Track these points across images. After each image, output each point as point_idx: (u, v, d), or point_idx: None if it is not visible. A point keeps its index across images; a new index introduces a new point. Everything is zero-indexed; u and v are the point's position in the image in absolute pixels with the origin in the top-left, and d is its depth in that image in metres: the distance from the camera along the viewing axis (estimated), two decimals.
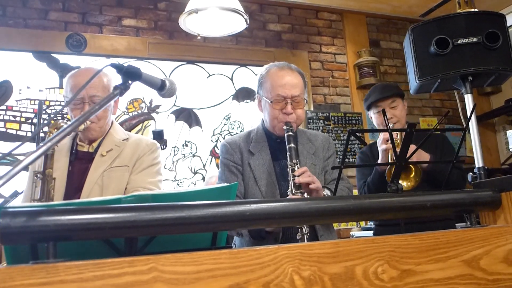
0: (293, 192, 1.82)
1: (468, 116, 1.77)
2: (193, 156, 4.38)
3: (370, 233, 3.34)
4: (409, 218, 2.01)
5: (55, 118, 2.59)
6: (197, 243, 1.13)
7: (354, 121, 4.96)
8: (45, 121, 3.68)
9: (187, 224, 0.94)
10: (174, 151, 4.31)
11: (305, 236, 1.75)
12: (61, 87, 3.99)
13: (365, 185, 2.54)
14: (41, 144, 0.98)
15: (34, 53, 3.99)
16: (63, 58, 4.08)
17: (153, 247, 1.02)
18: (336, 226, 4.25)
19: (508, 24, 2.26)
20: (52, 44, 4.02)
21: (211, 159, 4.44)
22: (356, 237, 3.90)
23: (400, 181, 2.24)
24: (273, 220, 1.07)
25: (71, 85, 2.05)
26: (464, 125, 1.48)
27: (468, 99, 2.23)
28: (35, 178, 1.91)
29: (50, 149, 1.78)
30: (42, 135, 3.50)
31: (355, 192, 2.88)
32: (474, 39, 2.16)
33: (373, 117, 2.68)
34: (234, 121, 4.60)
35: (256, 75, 2.16)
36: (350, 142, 4.79)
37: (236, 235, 2.04)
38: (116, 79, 2.02)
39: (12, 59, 3.91)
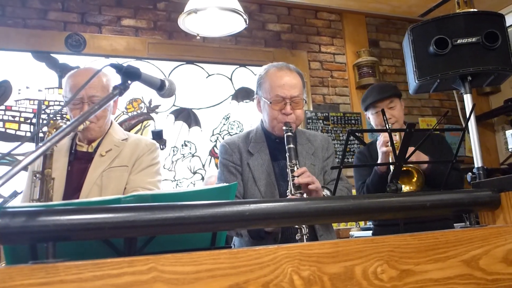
0: (293, 192, 1.82)
1: (467, 116, 1.77)
2: (192, 156, 4.38)
3: (369, 233, 3.34)
4: (407, 218, 2.01)
5: (54, 118, 2.59)
6: (196, 243, 1.13)
7: (353, 121, 4.96)
8: (44, 121, 3.68)
9: (186, 224, 0.94)
10: (174, 151, 4.31)
11: (304, 236, 1.75)
12: (60, 87, 3.99)
13: (364, 186, 2.54)
14: (40, 144, 0.98)
15: (33, 53, 3.99)
16: (62, 58, 4.07)
17: (153, 247, 1.02)
18: (335, 226, 4.25)
19: (507, 24, 2.26)
20: (51, 44, 4.02)
21: (210, 159, 4.44)
22: (355, 237, 3.90)
23: (402, 186, 2.25)
24: (273, 220, 1.07)
25: (70, 85, 2.04)
26: (463, 125, 1.48)
27: (467, 99, 2.23)
28: (34, 178, 1.91)
29: (49, 149, 1.77)
30: (41, 135, 3.51)
31: (354, 193, 2.88)
32: (473, 39, 2.16)
33: (371, 118, 2.67)
34: (234, 121, 4.60)
35: (255, 75, 2.16)
36: (349, 142, 4.80)
37: (235, 235, 2.04)
38: (115, 79, 2.02)
39: (11, 59, 3.91)
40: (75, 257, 0.82)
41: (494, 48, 2.15)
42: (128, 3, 4.39)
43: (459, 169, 2.56)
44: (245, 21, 3.08)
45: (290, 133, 1.95)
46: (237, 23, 3.15)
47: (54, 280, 0.76)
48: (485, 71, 2.18)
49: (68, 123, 1.14)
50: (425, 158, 2.30)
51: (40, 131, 3.36)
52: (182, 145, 4.36)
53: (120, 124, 4.06)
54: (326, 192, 1.95)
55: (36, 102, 3.88)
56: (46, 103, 3.93)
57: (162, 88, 1.33)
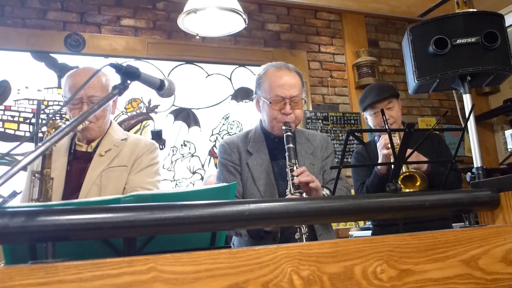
0: (292, 192, 1.82)
1: (467, 116, 1.78)
2: (192, 156, 4.38)
3: (369, 233, 3.34)
4: (406, 218, 2.01)
5: (53, 118, 2.59)
6: (196, 243, 1.13)
7: (352, 121, 4.96)
8: (44, 121, 3.68)
9: (186, 224, 0.94)
10: (173, 151, 4.31)
11: (303, 235, 1.75)
12: (59, 87, 3.98)
13: (363, 188, 2.53)
14: (39, 144, 0.98)
15: (33, 53, 3.99)
16: (61, 58, 4.07)
17: (152, 247, 1.02)
18: (334, 226, 4.25)
19: (507, 24, 2.26)
20: (51, 44, 4.02)
21: (210, 159, 4.44)
22: (355, 237, 3.90)
23: (406, 190, 2.24)
24: (272, 220, 1.07)
25: (69, 85, 2.04)
26: (463, 125, 1.48)
27: (467, 99, 2.23)
28: (33, 178, 1.91)
29: (48, 149, 1.77)
30: (40, 135, 3.51)
31: (353, 193, 2.87)
32: (473, 39, 2.16)
33: (370, 118, 2.66)
34: (233, 121, 4.60)
35: (255, 75, 2.16)
36: (348, 142, 4.79)
37: (234, 235, 2.04)
38: (114, 78, 2.02)
39: (10, 59, 3.90)
40: (75, 257, 0.82)
41: (494, 48, 2.15)
42: (128, 3, 4.39)
43: (457, 169, 2.56)
44: (245, 21, 3.08)
45: (289, 133, 1.95)
46: (237, 23, 3.15)
47: (53, 280, 0.76)
48: (484, 71, 2.19)
49: (68, 123, 1.14)
50: (424, 159, 2.30)
51: (40, 131, 3.36)
52: (182, 145, 4.36)
53: (120, 124, 4.06)
54: (325, 192, 1.95)
55: (35, 102, 3.88)
56: (45, 103, 3.93)
57: (161, 87, 1.33)
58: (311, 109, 4.84)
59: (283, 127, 1.96)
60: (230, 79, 4.68)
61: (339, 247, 0.98)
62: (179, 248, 0.94)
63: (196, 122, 4.47)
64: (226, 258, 0.88)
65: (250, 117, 4.61)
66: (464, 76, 2.21)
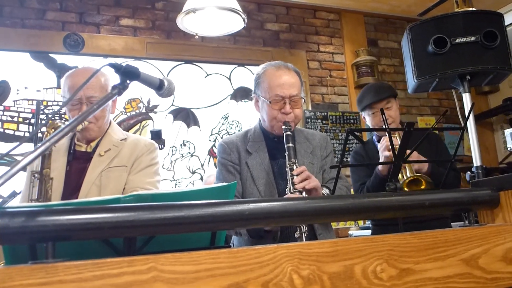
0: (292, 191, 1.82)
1: (466, 115, 1.78)
2: (191, 155, 4.38)
3: (368, 232, 3.34)
4: (406, 217, 2.01)
5: (53, 118, 2.59)
6: (196, 242, 1.13)
7: (352, 121, 4.96)
8: (43, 121, 3.68)
9: (186, 224, 0.94)
10: (172, 150, 4.31)
11: (303, 234, 1.75)
12: (58, 87, 3.98)
13: (363, 188, 2.52)
14: (39, 144, 0.98)
15: (32, 53, 3.98)
16: (60, 58, 4.07)
17: (152, 246, 1.02)
18: (334, 225, 4.26)
19: (506, 23, 2.26)
20: (50, 44, 4.02)
21: (209, 158, 4.44)
22: (355, 236, 3.90)
23: None
24: (272, 220, 1.07)
25: (68, 85, 2.04)
26: (462, 124, 1.48)
27: (466, 98, 2.23)
28: (33, 178, 1.91)
29: (48, 149, 1.77)
30: (40, 135, 3.50)
31: (352, 193, 2.87)
32: (472, 38, 2.16)
33: (368, 119, 2.65)
34: (232, 121, 4.60)
35: (254, 74, 2.16)
36: (348, 141, 4.80)
37: (234, 234, 2.04)
38: (114, 78, 2.02)
39: (9, 59, 3.90)
40: (75, 257, 0.82)
41: (493, 47, 2.15)
42: (127, 3, 4.39)
43: (456, 168, 2.56)
44: (244, 21, 3.08)
45: (289, 132, 1.94)
46: (236, 23, 3.15)
47: (53, 280, 0.76)
48: (483, 70, 2.19)
49: (67, 123, 1.14)
50: (423, 159, 2.30)
51: (39, 131, 3.36)
52: (181, 145, 4.36)
53: (119, 124, 4.06)
54: (325, 191, 1.95)
55: (34, 102, 3.88)
56: (44, 103, 3.93)
57: (161, 87, 1.33)
58: (310, 108, 4.84)
59: (283, 127, 1.96)
60: (229, 78, 4.68)
61: (339, 247, 0.98)
62: (179, 248, 0.94)
63: (196, 122, 4.47)
64: (226, 257, 0.88)
65: (249, 117, 4.61)
66: (463, 75, 2.21)
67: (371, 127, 2.71)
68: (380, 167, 2.40)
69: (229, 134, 4.45)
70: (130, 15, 4.39)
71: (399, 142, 2.36)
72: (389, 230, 1.28)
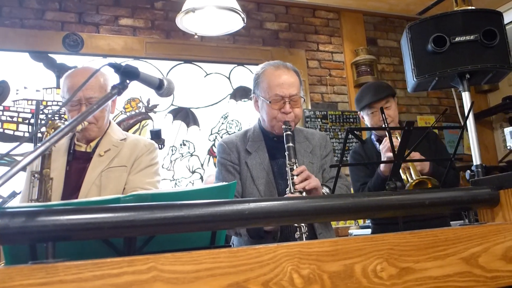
0: (292, 191, 1.82)
1: (466, 114, 1.78)
2: (191, 155, 4.38)
3: (369, 231, 3.35)
4: (405, 216, 2.01)
5: (52, 119, 2.59)
6: (196, 242, 1.13)
7: (351, 120, 4.96)
8: (43, 122, 3.68)
9: (186, 223, 0.94)
10: (172, 150, 4.31)
11: (303, 235, 1.75)
12: (58, 87, 3.98)
13: (364, 189, 2.52)
14: (39, 144, 0.98)
15: (31, 53, 3.98)
16: (60, 58, 4.07)
17: (152, 246, 1.02)
18: (334, 224, 4.26)
19: (505, 21, 2.26)
20: (49, 44, 4.01)
21: (209, 158, 4.44)
22: (355, 235, 3.90)
23: None
24: (272, 219, 1.08)
25: (67, 86, 2.04)
26: (462, 123, 1.48)
27: (466, 97, 2.23)
28: (33, 178, 1.91)
29: (48, 149, 1.77)
30: (39, 135, 3.50)
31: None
32: (472, 37, 2.16)
33: (367, 118, 2.65)
34: (232, 120, 4.60)
35: (253, 73, 2.16)
36: (348, 141, 4.79)
37: (234, 235, 2.04)
38: (113, 78, 2.02)
39: (8, 60, 3.90)
40: (75, 257, 0.82)
41: (492, 45, 2.15)
42: (126, 3, 4.39)
43: (455, 167, 2.56)
44: (243, 20, 3.08)
45: (289, 132, 1.94)
46: (235, 22, 3.15)
47: (53, 280, 0.76)
48: (483, 69, 2.19)
49: (67, 123, 1.14)
50: (425, 163, 2.30)
51: (39, 131, 3.36)
52: (181, 145, 4.36)
53: (119, 123, 4.06)
54: (325, 190, 1.95)
55: (34, 102, 3.88)
56: (44, 103, 3.93)
57: (160, 87, 1.33)
58: (310, 107, 4.84)
59: (283, 126, 1.96)
60: (229, 78, 4.68)
61: (339, 246, 0.98)
62: (179, 248, 0.94)
63: (195, 122, 4.47)
64: (227, 257, 0.88)
65: (249, 116, 4.61)
66: (463, 74, 2.21)
67: (370, 126, 2.70)
68: (382, 167, 2.39)
69: (228, 134, 4.45)
70: (130, 15, 4.39)
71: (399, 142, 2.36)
72: (389, 229, 1.28)
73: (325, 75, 5.04)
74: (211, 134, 4.50)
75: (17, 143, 1.01)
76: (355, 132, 4.66)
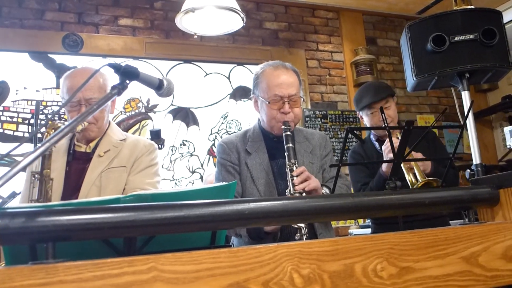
0: (292, 192, 1.82)
1: (466, 113, 1.77)
2: (191, 155, 4.38)
3: (368, 230, 3.35)
4: (405, 216, 2.01)
5: (52, 119, 2.59)
6: (196, 242, 1.13)
7: (351, 119, 4.97)
8: (42, 122, 3.68)
9: (186, 223, 0.94)
10: (172, 150, 4.31)
11: (304, 236, 1.75)
12: (58, 87, 3.98)
13: (366, 189, 2.51)
14: (39, 144, 0.98)
15: (31, 53, 3.98)
16: (59, 58, 4.07)
17: (152, 246, 1.02)
18: (334, 224, 4.26)
19: (505, 21, 2.26)
20: (49, 44, 4.01)
21: (209, 158, 4.44)
22: (355, 234, 3.90)
23: None
24: (272, 219, 1.08)
25: (67, 86, 2.04)
26: (462, 122, 1.48)
27: (465, 96, 2.23)
28: (33, 178, 1.91)
29: (48, 150, 1.77)
30: (39, 135, 3.50)
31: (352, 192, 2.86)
32: (471, 36, 2.16)
33: (366, 118, 2.64)
34: (232, 120, 4.60)
35: (253, 74, 2.16)
36: (348, 140, 4.79)
37: (234, 236, 2.04)
38: (112, 78, 2.01)
39: (8, 60, 3.90)
40: (75, 257, 0.82)
41: (492, 45, 2.15)
42: (125, 3, 4.39)
43: (455, 166, 2.56)
44: (243, 20, 3.07)
45: (289, 132, 1.94)
46: (235, 22, 3.15)
47: (54, 281, 0.76)
48: (482, 68, 2.19)
49: (66, 123, 1.14)
50: (427, 163, 2.30)
51: (39, 131, 3.36)
52: (181, 145, 4.36)
53: (118, 124, 4.05)
54: (325, 190, 1.95)
55: (34, 102, 3.88)
56: (44, 103, 3.93)
57: (160, 87, 1.33)
58: (309, 107, 4.84)
59: (283, 127, 1.96)
60: (228, 78, 4.68)
61: (339, 245, 0.98)
62: (179, 248, 0.94)
63: (195, 121, 4.47)
64: (227, 257, 0.88)
65: (248, 116, 4.61)
66: (462, 73, 2.21)
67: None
68: (384, 168, 2.39)
69: (228, 134, 4.45)
70: (129, 15, 4.39)
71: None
72: (389, 228, 1.28)
73: (324, 75, 5.04)
74: (211, 134, 4.50)
75: (17, 143, 1.01)
76: (355, 131, 4.66)
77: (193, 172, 4.35)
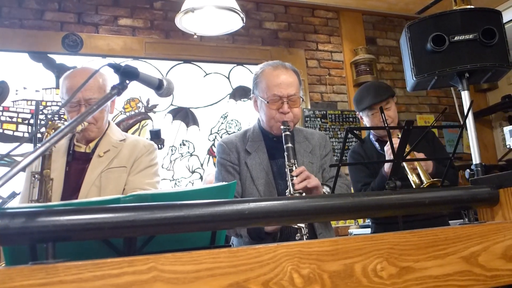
0: (292, 192, 1.82)
1: (465, 113, 1.77)
2: (191, 155, 4.38)
3: (368, 230, 3.35)
4: (405, 216, 2.01)
5: (52, 119, 2.59)
6: (196, 242, 1.13)
7: (351, 119, 4.96)
8: (42, 122, 3.68)
9: (186, 223, 0.94)
10: (172, 150, 4.31)
11: (304, 236, 1.75)
12: (57, 87, 3.98)
13: (366, 189, 2.51)
14: (39, 145, 0.98)
15: (30, 53, 3.98)
16: (59, 58, 4.06)
17: (152, 246, 1.02)
18: (334, 224, 4.26)
19: (504, 20, 2.26)
20: (48, 44, 4.01)
21: (209, 158, 4.44)
22: (354, 234, 3.90)
23: None
24: (272, 219, 1.08)
25: (66, 87, 2.04)
26: (461, 122, 1.48)
27: (465, 96, 2.23)
28: (33, 178, 1.90)
29: (48, 150, 1.77)
30: (39, 135, 3.50)
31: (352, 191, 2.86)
32: (471, 36, 2.16)
33: (367, 119, 2.64)
34: (231, 120, 4.60)
35: (252, 74, 2.16)
36: (347, 140, 4.79)
37: (234, 236, 2.04)
38: (112, 78, 2.02)
39: (8, 60, 3.90)
40: (75, 257, 0.82)
41: (491, 44, 2.15)
42: (125, 3, 4.39)
43: (454, 166, 2.56)
44: (242, 20, 3.07)
45: (288, 132, 1.94)
46: (234, 22, 3.15)
47: (54, 281, 0.76)
48: (482, 68, 2.19)
49: (66, 123, 1.14)
50: (429, 163, 2.30)
51: (38, 132, 3.36)
52: (180, 144, 4.36)
53: (118, 124, 4.05)
54: (325, 189, 1.95)
55: (33, 102, 3.87)
56: (43, 103, 3.93)
57: (160, 87, 1.33)
58: (309, 107, 4.84)
59: (282, 127, 1.96)
60: (228, 78, 4.68)
61: (339, 245, 0.98)
62: (179, 248, 0.94)
63: (195, 121, 4.47)
64: (227, 257, 0.88)
65: (248, 116, 4.61)
66: (462, 73, 2.21)
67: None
68: (386, 168, 2.39)
69: (228, 133, 4.45)
70: (129, 15, 4.39)
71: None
72: (389, 228, 1.29)
73: (324, 75, 5.04)
74: (211, 134, 4.50)
75: (17, 143, 1.01)
76: (355, 131, 4.66)
77: (193, 172, 4.35)
